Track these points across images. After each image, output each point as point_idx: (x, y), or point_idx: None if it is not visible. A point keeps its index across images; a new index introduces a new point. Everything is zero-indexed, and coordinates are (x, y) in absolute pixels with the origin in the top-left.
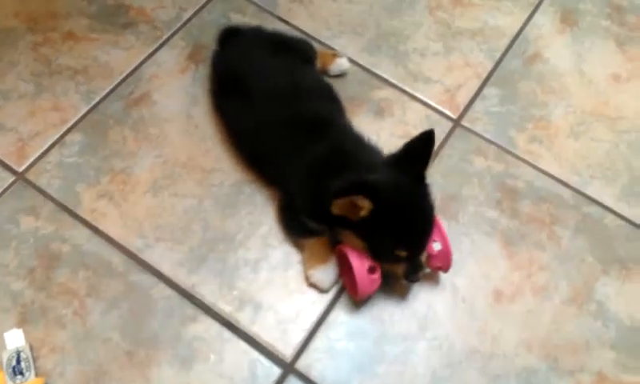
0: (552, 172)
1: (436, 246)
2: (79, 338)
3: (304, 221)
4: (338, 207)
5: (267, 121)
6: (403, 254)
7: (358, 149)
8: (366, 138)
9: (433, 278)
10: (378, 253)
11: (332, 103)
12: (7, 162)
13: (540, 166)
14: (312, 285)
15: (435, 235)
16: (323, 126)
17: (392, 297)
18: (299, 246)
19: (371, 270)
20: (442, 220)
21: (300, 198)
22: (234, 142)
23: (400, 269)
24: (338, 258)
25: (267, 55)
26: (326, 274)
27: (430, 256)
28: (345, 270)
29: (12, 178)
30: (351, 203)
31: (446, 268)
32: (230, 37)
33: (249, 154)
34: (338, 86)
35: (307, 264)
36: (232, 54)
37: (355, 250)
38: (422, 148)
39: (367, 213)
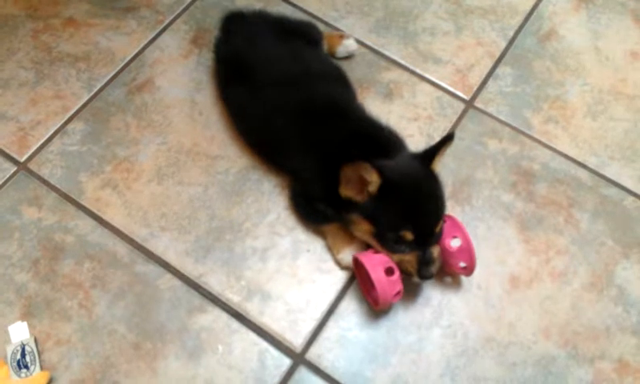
0: (569, 153)
1: (455, 243)
2: (85, 330)
3: (319, 207)
4: (347, 182)
5: (278, 107)
6: (409, 236)
7: (374, 133)
8: (380, 121)
9: None
10: (384, 235)
11: (343, 86)
12: (9, 152)
13: (556, 147)
14: (345, 268)
15: (456, 231)
16: (336, 111)
17: (405, 284)
18: (320, 233)
19: (396, 295)
20: (455, 204)
21: (314, 185)
22: (241, 131)
23: (411, 265)
24: (357, 269)
25: (274, 40)
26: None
27: (450, 254)
28: (364, 281)
29: (14, 169)
30: (360, 179)
31: (470, 267)
32: (234, 22)
33: (257, 142)
34: (345, 69)
35: (334, 249)
36: (237, 40)
37: (376, 265)
38: (436, 145)
39: (375, 188)
